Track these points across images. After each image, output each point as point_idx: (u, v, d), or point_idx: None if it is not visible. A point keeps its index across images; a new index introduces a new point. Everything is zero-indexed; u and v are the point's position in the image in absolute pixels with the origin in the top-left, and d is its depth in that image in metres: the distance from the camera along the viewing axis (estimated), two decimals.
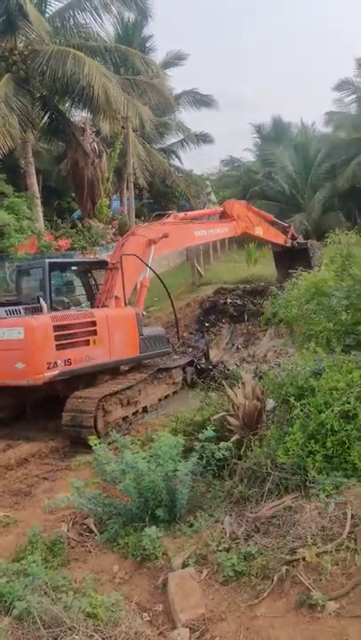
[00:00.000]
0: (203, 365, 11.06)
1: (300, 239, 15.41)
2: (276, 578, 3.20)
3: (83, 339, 8.13)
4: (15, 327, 7.46)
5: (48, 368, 7.50)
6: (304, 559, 3.14)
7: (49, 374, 7.53)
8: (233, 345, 13.82)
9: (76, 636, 2.75)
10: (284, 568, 3.22)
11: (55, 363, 7.60)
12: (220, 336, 14.39)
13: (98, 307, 9.04)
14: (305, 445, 4.03)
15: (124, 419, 8.42)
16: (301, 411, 4.26)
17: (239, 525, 3.96)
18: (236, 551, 3.64)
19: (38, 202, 17.12)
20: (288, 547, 3.36)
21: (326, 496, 3.61)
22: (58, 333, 7.67)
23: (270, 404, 5.88)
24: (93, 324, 8.32)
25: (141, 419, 8.80)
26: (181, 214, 11.81)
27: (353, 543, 3.13)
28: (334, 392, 4.09)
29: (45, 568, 4.09)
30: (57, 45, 16.36)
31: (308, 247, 14.94)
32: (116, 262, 9.29)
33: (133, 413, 8.68)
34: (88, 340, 8.21)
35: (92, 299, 9.51)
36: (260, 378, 6.91)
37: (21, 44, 17.14)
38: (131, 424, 8.46)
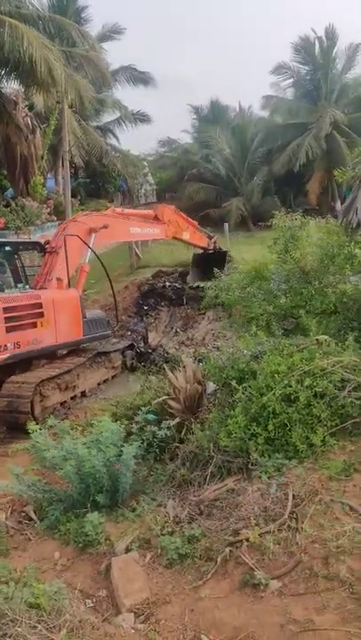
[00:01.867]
0: (142, 349, 11.03)
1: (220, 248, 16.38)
2: (219, 559, 3.26)
3: (30, 321, 7.96)
4: None
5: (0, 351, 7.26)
6: (247, 540, 3.21)
7: (1, 357, 7.32)
8: (172, 328, 13.87)
9: (19, 629, 2.68)
10: (228, 549, 3.28)
11: (6, 346, 7.39)
12: (158, 319, 14.39)
13: (36, 288, 8.78)
14: (247, 428, 4.10)
15: (63, 403, 8.29)
16: (243, 394, 4.32)
17: (182, 509, 4.01)
18: (180, 534, 3.68)
19: None
20: (231, 528, 3.43)
21: (268, 477, 3.70)
22: (7, 315, 7.45)
23: (211, 387, 5.95)
24: (40, 305, 8.16)
25: (80, 403, 8.70)
26: (119, 209, 12.04)
27: (294, 522, 3.23)
28: (276, 375, 4.18)
29: None
30: None
31: (226, 253, 16.04)
32: (56, 245, 9.12)
33: (72, 398, 8.56)
34: (35, 323, 8.05)
35: (18, 281, 9.18)
36: (200, 361, 6.99)
37: None
38: (69, 409, 8.34)
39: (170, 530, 3.82)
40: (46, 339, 8.22)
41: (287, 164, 26.47)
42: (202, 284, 15.31)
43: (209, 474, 4.15)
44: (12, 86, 19.80)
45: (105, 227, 9.87)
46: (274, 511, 3.37)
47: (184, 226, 13.98)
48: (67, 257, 8.94)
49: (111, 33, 27.50)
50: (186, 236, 14.18)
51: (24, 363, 8.18)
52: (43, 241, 9.65)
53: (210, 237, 15.79)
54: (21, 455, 6.64)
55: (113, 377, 10.08)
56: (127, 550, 3.83)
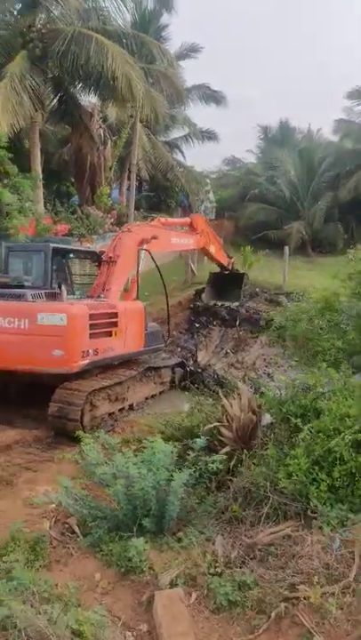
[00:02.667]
0: (192, 368, 10.91)
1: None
2: (273, 614, 3.05)
3: (107, 329, 8.11)
4: (57, 313, 7.24)
5: (82, 357, 7.40)
6: (306, 598, 3.00)
7: (82, 363, 7.45)
8: (222, 349, 13.69)
9: None
10: (283, 605, 3.07)
11: (87, 352, 7.52)
12: (209, 338, 14.25)
13: (93, 297, 8.87)
14: (309, 472, 3.89)
15: (110, 414, 8.25)
16: (308, 434, 4.11)
17: (233, 548, 3.82)
18: (230, 578, 3.49)
19: (40, 184, 16.72)
20: (288, 581, 3.22)
21: (331, 530, 3.48)
22: (92, 322, 7.60)
23: (267, 419, 5.74)
24: (116, 315, 8.33)
25: (127, 416, 8.64)
26: (163, 219, 12.17)
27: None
28: (346, 419, 3.95)
29: (27, 568, 3.92)
30: (78, 27, 15.85)
31: (244, 275, 16.21)
32: (113, 256, 9.19)
33: (120, 410, 8.52)
34: (110, 332, 8.19)
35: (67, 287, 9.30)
36: (257, 390, 6.79)
37: (40, 22, 16.63)
38: (116, 420, 8.30)
39: (219, 570, 3.63)
40: (117, 348, 8.38)
41: (354, 190, 25.97)
42: (218, 303, 15.55)
43: (264, 514, 3.95)
44: (90, 99, 20.46)
45: (154, 237, 9.91)
46: (337, 570, 3.14)
47: (212, 239, 14.15)
48: (138, 268, 9.28)
49: (188, 51, 27.95)
50: (212, 249, 14.31)
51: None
52: (98, 250, 9.80)
53: (229, 257, 15.98)
54: (67, 463, 6.64)
55: (160, 393, 10.01)
56: (172, 585, 3.67)
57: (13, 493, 5.69)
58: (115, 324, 8.27)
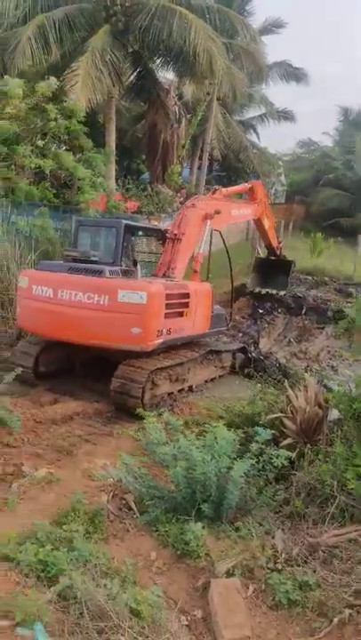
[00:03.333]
0: (254, 354, 10.75)
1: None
2: (336, 620, 2.94)
3: (180, 310, 8.12)
4: (137, 291, 7.30)
5: (157, 336, 7.48)
6: None
7: (156, 342, 7.51)
8: (285, 337, 13.40)
9: (122, 638, 2.59)
10: (348, 611, 2.96)
11: (161, 331, 7.58)
12: (273, 326, 13.97)
13: (158, 276, 8.83)
14: None
15: (170, 394, 8.28)
16: None
17: (294, 545, 3.71)
18: (290, 576, 3.40)
19: (113, 160, 16.82)
20: (353, 587, 3.09)
21: None
22: (167, 302, 7.64)
23: (334, 414, 5.54)
24: (188, 296, 8.32)
25: (186, 397, 8.65)
26: (224, 190, 11.33)
27: None
28: None
29: (86, 539, 4.00)
30: (162, 1, 15.55)
31: (292, 263, 14.97)
32: (178, 233, 9.02)
33: (179, 390, 8.54)
34: (182, 312, 8.21)
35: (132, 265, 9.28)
36: (319, 382, 6.57)
37: None
38: (175, 401, 8.32)
39: (278, 566, 3.55)
40: (187, 328, 8.38)
41: None
42: (263, 291, 14.84)
43: (329, 514, 3.81)
44: (167, 76, 20.25)
45: (218, 212, 9.56)
46: None
47: (267, 213, 13.25)
48: (210, 248, 9.11)
49: (272, 27, 26.99)
50: (266, 223, 13.31)
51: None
52: (164, 228, 9.68)
53: (279, 241, 14.79)
54: (125, 438, 6.73)
55: (220, 377, 9.95)
56: (228, 574, 3.63)
57: (73, 464, 5.80)
58: (186, 305, 8.25)
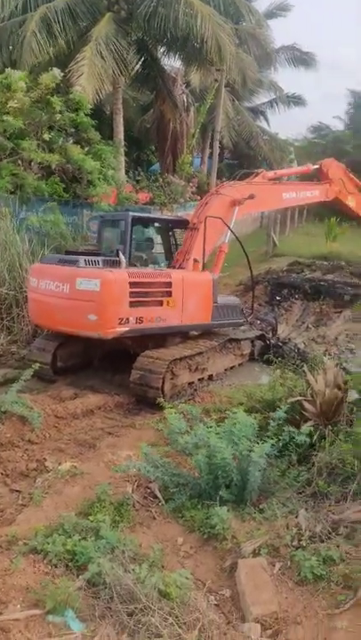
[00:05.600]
0: (272, 341, 10.74)
1: None
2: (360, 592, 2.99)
3: (156, 298, 7.96)
4: (92, 279, 7.35)
5: (119, 323, 7.42)
6: None
7: (119, 330, 7.45)
8: (303, 323, 13.34)
9: (153, 619, 2.67)
10: None
11: (127, 319, 7.50)
12: (290, 312, 13.92)
13: (175, 267, 8.84)
14: None
15: (190, 384, 8.34)
16: None
17: (317, 523, 3.76)
18: (315, 552, 3.46)
19: (122, 151, 16.81)
20: None
21: None
22: (133, 290, 7.54)
23: (353, 395, 5.57)
24: (169, 284, 8.12)
25: (206, 386, 8.69)
26: (271, 173, 11.02)
27: None
28: None
29: (113, 528, 4.09)
30: None
31: None
32: (196, 222, 8.96)
33: (199, 380, 8.58)
34: (161, 301, 8.03)
35: (170, 258, 9.30)
36: (342, 367, 6.58)
37: None
38: (196, 390, 8.36)
39: (303, 543, 3.61)
40: (171, 319, 8.15)
41: None
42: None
43: (351, 492, 3.85)
44: (173, 64, 20.09)
45: (251, 197, 9.31)
46: None
47: (351, 189, 12.26)
48: (204, 238, 8.71)
49: (278, 10, 26.67)
50: (351, 201, 12.35)
51: (159, 338, 8.33)
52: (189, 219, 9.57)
53: None
54: (147, 429, 6.81)
55: (240, 365, 9.96)
56: (255, 554, 3.69)
57: (97, 456, 5.90)
58: (168, 294, 8.03)
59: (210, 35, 14.51)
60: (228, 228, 9.23)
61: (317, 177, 12.02)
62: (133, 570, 3.17)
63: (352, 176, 12.48)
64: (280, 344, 10.62)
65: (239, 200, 9.33)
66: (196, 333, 9.21)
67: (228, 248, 9.74)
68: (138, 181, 18.19)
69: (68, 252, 9.00)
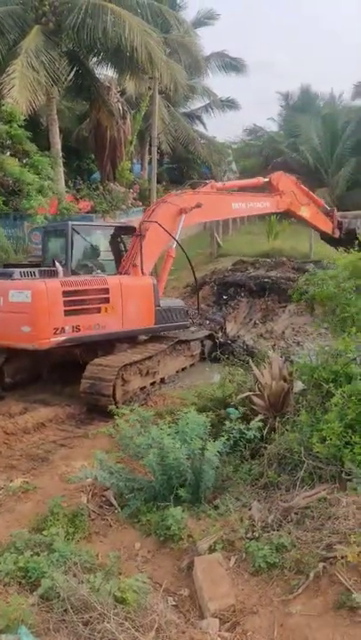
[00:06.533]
0: (221, 339, 10.89)
1: (346, 223, 14.02)
2: (312, 574, 3.07)
3: (94, 306, 7.91)
4: (24, 290, 7.29)
5: (55, 333, 7.34)
6: (343, 557, 3.00)
7: (55, 340, 7.37)
8: (251, 320, 13.58)
9: (108, 625, 2.64)
10: (321, 565, 3.09)
11: (63, 328, 7.43)
12: (237, 310, 14.12)
13: (121, 273, 8.83)
14: (342, 435, 3.86)
15: (142, 389, 8.33)
16: (341, 399, 4.07)
17: (269, 513, 3.83)
18: (268, 541, 3.52)
19: (60, 162, 16.67)
20: (324, 542, 3.22)
21: None
22: (67, 299, 7.49)
23: (299, 386, 5.70)
24: (106, 291, 8.08)
25: (158, 390, 8.71)
26: (220, 184, 11.26)
27: None
28: None
29: (67, 540, 4.03)
30: None
31: (356, 230, 13.06)
32: (142, 229, 9.01)
33: (151, 384, 8.59)
34: (99, 308, 7.98)
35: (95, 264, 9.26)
36: (287, 358, 6.73)
37: None
38: (148, 394, 8.37)
39: (256, 534, 3.66)
40: (110, 325, 8.11)
41: None
42: None
43: (299, 479, 3.95)
44: (106, 73, 20.12)
45: (198, 205, 9.45)
46: None
47: (303, 200, 12.49)
48: (141, 243, 8.76)
49: (205, 19, 27.23)
50: (305, 212, 12.51)
51: (107, 345, 8.28)
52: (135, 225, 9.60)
53: (330, 215, 13.59)
54: (100, 438, 6.75)
55: (191, 365, 10.04)
56: (210, 550, 3.72)
57: (50, 470, 5.81)
58: (105, 300, 8.01)
59: (139, 43, 14.65)
60: (168, 233, 9.30)
61: (269, 189, 12.25)
62: (88, 580, 3.13)
63: (303, 187, 12.75)
64: (229, 342, 10.78)
65: (186, 208, 9.47)
66: (145, 338, 9.22)
67: (177, 252, 9.83)
68: (78, 190, 18.03)
69: (6, 265, 8.88)
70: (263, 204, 11.79)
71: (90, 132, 22.42)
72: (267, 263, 16.75)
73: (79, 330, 7.63)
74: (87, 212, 15.66)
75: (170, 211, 9.39)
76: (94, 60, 18.33)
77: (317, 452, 3.93)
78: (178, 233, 9.43)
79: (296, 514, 3.67)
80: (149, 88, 20.64)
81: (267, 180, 12.03)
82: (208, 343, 10.61)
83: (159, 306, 9.01)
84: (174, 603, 3.39)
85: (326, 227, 13.56)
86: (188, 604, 3.36)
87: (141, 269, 8.72)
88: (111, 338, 8.35)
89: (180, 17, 20.96)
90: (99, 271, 8.71)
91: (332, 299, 5.93)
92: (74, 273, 8.29)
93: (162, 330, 9.34)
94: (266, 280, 14.82)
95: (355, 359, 4.53)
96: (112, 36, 14.79)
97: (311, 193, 12.90)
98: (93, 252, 9.20)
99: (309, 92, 34.01)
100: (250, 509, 4.04)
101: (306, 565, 3.16)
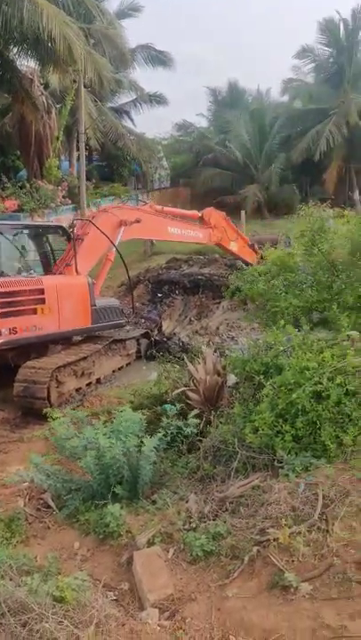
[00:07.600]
0: (157, 337, 10.97)
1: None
2: (246, 558, 3.21)
3: (29, 307, 7.77)
4: None
5: None
6: (275, 540, 3.16)
7: None
8: (186, 317, 13.76)
9: (46, 624, 2.65)
10: (255, 548, 3.23)
11: None
12: (172, 307, 14.26)
13: (55, 274, 8.70)
14: (274, 425, 4.03)
15: (78, 390, 8.27)
16: (271, 390, 4.24)
17: (205, 504, 3.95)
18: (204, 531, 3.63)
19: None
20: (258, 527, 3.37)
21: (296, 476, 3.64)
22: (2, 300, 7.33)
23: (232, 379, 5.89)
24: (41, 291, 7.95)
25: (95, 390, 8.68)
26: (159, 207, 11.66)
27: (324, 524, 3.17)
28: (306, 372, 4.09)
29: (3, 545, 3.97)
30: None
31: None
32: (82, 233, 9.01)
33: (87, 384, 8.54)
34: (35, 309, 7.85)
35: (47, 265, 9.10)
36: (221, 353, 6.91)
37: None
38: (84, 395, 8.33)
39: (193, 525, 3.77)
40: (48, 326, 8.01)
41: (306, 151, 25.98)
42: None
43: (233, 469, 4.09)
44: (28, 64, 19.44)
45: (137, 221, 9.69)
46: (303, 511, 3.31)
47: (232, 236, 13.45)
48: (74, 242, 8.71)
49: (129, 10, 26.92)
50: (233, 246, 13.48)
51: (40, 347, 8.14)
52: (66, 225, 9.49)
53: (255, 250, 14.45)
54: (36, 441, 6.68)
55: (127, 364, 10.05)
56: (149, 544, 3.79)
57: None
58: (41, 301, 7.90)
59: (58, 33, 14.22)
60: (107, 237, 9.34)
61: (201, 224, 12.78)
62: (25, 582, 3.11)
63: (231, 224, 13.67)
64: (165, 340, 10.88)
65: (126, 221, 9.59)
66: (80, 338, 9.13)
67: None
68: (4, 189, 17.46)
69: None
70: (196, 234, 12.32)
71: (14, 127, 21.68)
72: (200, 260, 16.99)
73: (16, 332, 7.49)
74: (14, 212, 15.22)
75: (110, 220, 9.48)
76: (14, 50, 17.64)
77: (250, 442, 4.09)
78: (117, 243, 9.55)
79: (231, 503, 3.80)
80: (74, 81, 20.20)
81: (200, 214, 12.70)
82: (144, 342, 10.66)
83: (95, 305, 8.98)
84: (115, 597, 3.43)
85: (252, 259, 14.32)
86: (129, 598, 3.41)
87: (75, 269, 8.65)
88: (48, 339, 8.24)
89: (102, 7, 20.53)
90: (32, 271, 8.54)
91: (263, 295, 6.14)
92: (1, 274, 8.07)
93: (98, 329, 9.31)
94: (200, 277, 15.05)
95: (284, 351, 4.73)
96: (29, 26, 14.20)
97: (239, 231, 14.05)
98: (21, 251, 9.00)
99: (237, 88, 34.48)
100: (187, 502, 4.14)
101: (241, 550, 3.30)
